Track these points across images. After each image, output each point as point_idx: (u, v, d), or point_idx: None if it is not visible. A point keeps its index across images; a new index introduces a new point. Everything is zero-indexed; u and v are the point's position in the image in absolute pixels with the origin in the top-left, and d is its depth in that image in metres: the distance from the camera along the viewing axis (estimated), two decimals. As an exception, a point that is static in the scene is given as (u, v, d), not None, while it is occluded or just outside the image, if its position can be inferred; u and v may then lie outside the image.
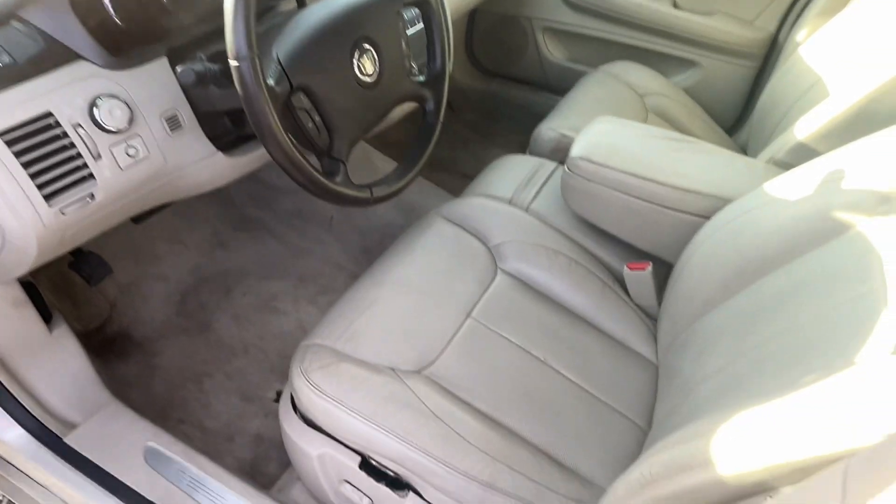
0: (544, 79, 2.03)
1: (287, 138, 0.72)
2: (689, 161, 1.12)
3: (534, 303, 1.11)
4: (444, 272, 1.09)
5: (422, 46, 1.05)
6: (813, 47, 1.43)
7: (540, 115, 1.92)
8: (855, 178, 0.83)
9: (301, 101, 0.77)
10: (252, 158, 0.98)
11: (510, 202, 1.26)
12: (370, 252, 1.49)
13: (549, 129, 1.43)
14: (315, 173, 0.77)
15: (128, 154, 0.80)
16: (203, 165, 0.91)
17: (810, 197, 0.88)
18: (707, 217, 1.06)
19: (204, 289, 1.42)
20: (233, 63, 0.68)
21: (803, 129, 1.13)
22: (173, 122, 0.84)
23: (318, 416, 0.87)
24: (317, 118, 0.79)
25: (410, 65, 0.98)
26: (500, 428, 0.90)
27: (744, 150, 1.67)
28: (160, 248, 1.46)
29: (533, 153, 1.46)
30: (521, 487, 0.84)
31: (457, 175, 1.93)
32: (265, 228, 1.56)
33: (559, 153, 1.40)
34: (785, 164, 1.13)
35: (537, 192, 1.27)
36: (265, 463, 1.14)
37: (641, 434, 0.99)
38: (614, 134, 1.18)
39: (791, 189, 0.93)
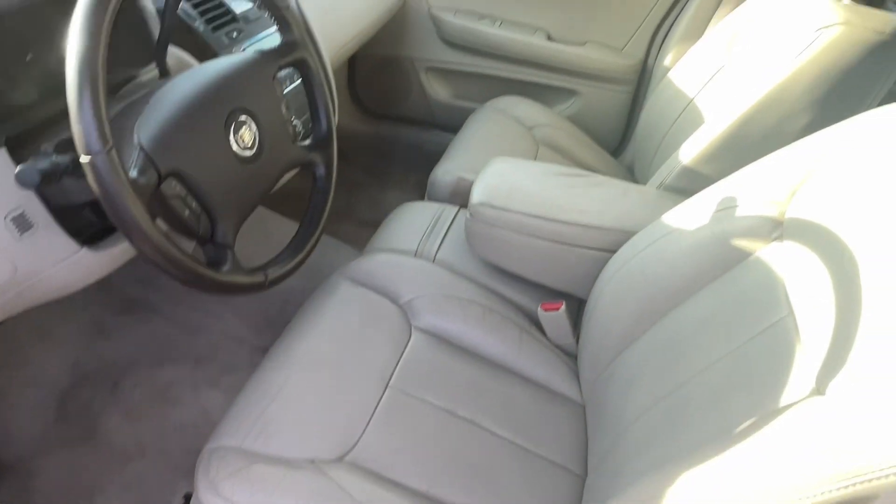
0: (432, 117, 2.02)
1: (159, 233, 0.63)
2: (586, 196, 1.13)
3: (452, 358, 1.07)
4: (355, 340, 1.02)
5: (302, 102, 0.99)
6: (680, 71, 1.51)
7: (432, 154, 1.91)
8: (746, 204, 0.85)
9: (173, 187, 0.69)
10: (125, 248, 0.88)
11: (416, 254, 1.22)
12: (272, 321, 1.39)
13: (445, 173, 1.41)
14: (198, 267, 0.69)
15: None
16: (65, 266, 0.80)
17: (707, 225, 0.91)
18: (612, 251, 1.07)
19: (85, 387, 1.26)
20: (83, 159, 0.59)
21: (686, 153, 1.17)
22: (21, 223, 0.73)
23: (235, 531, 0.78)
24: (193, 204, 0.71)
25: (293, 128, 0.92)
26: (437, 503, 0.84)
27: (630, 170, 1.73)
28: (27, 347, 1.28)
29: (432, 198, 1.43)
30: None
31: (355, 223, 1.87)
32: (151, 308, 1.42)
33: (459, 196, 1.37)
34: (676, 189, 1.17)
35: (442, 240, 1.24)
36: (179, 582, 1.01)
37: (579, 482, 0.96)
38: (511, 175, 1.17)
39: (689, 218, 0.95)
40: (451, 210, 1.32)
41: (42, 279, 0.78)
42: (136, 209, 0.60)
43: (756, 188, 0.86)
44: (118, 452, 1.16)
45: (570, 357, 1.15)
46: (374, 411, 0.93)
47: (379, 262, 1.18)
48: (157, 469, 1.15)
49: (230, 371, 1.33)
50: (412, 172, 2.05)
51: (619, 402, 0.94)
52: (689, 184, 1.15)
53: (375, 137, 2.10)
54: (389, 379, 0.99)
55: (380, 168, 2.08)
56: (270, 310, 1.39)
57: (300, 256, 0.86)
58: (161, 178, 0.66)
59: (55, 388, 1.25)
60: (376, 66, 1.99)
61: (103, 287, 1.46)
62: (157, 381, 1.30)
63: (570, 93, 1.85)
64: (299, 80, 1.00)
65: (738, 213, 0.85)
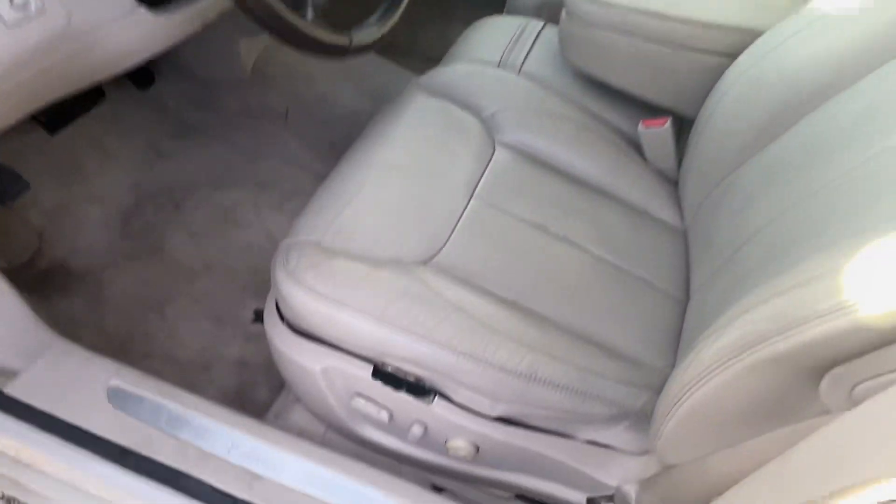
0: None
1: None
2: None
3: (542, 176, 0.97)
4: (435, 151, 0.92)
5: None
6: None
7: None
8: None
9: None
10: (186, 18, 0.77)
11: (499, 65, 1.08)
12: (338, 147, 1.29)
13: (529, -16, 1.24)
14: (280, 6, 0.58)
15: (13, 4, 0.58)
16: (122, 26, 0.70)
17: (858, 18, 0.75)
18: (732, 56, 0.91)
19: (148, 207, 1.22)
20: None
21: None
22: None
23: (317, 323, 0.73)
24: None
25: None
26: (530, 314, 0.77)
27: None
28: (87, 164, 1.23)
29: (515, 11, 1.27)
30: (565, 375, 0.72)
31: (420, 59, 1.72)
32: (210, 133, 1.34)
33: (545, 10, 1.21)
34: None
35: (528, 52, 1.10)
36: (253, 389, 0.99)
37: (678, 306, 0.88)
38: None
39: (833, 10, 0.79)
40: (536, 24, 1.16)
41: (98, 39, 0.69)
42: None
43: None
44: (185, 269, 1.13)
45: (670, 182, 1.03)
46: (460, 219, 0.85)
47: (458, 72, 1.06)
48: (224, 286, 1.11)
49: (293, 197, 1.27)
50: (480, 5, 1.85)
51: (731, 223, 0.83)
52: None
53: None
54: (474, 190, 0.90)
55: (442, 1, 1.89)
56: (335, 136, 1.30)
57: (388, 23, 0.75)
58: None
59: (118, 206, 1.21)
60: None
61: (159, 110, 1.39)
62: (218, 203, 1.24)
63: None
64: None
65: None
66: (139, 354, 1.00)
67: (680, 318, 0.87)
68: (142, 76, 1.32)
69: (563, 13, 0.99)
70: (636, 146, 1.03)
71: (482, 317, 0.73)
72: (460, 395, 0.73)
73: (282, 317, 0.79)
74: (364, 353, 0.73)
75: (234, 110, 1.35)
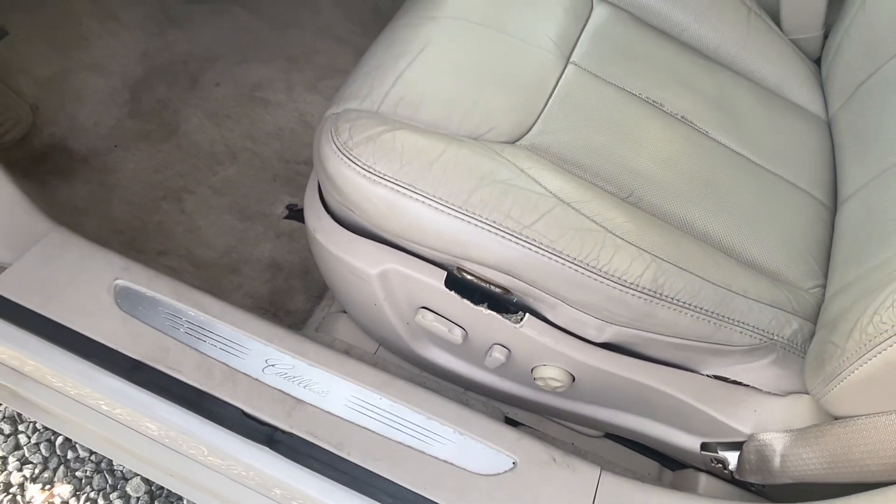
0: None
1: None
2: None
3: (653, 41, 0.76)
4: (522, 2, 0.71)
5: None
6: None
7: None
8: None
9: None
10: None
11: None
12: (383, 13, 1.08)
13: None
14: None
15: None
16: None
17: None
18: None
19: (160, 81, 1.03)
20: None
21: None
22: None
23: (375, 214, 0.55)
24: None
25: None
26: (650, 216, 0.59)
27: None
28: (87, 26, 1.04)
29: None
30: (699, 293, 0.55)
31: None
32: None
33: None
34: None
35: None
36: (288, 297, 0.84)
37: (824, 212, 0.69)
38: None
39: None
40: None
41: None
42: None
43: None
44: (205, 154, 0.96)
45: (811, 60, 0.82)
46: (555, 89, 0.66)
47: None
48: (251, 175, 0.94)
49: (330, 74, 1.07)
50: None
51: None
52: None
53: None
54: (570, 54, 0.70)
55: None
56: (381, 0, 1.08)
57: None
58: None
59: (125, 77, 1.02)
60: None
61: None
62: (242, 80, 1.05)
63: None
64: None
65: None
66: (153, 251, 0.84)
67: (826, 228, 0.68)
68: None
69: None
70: (769, 8, 0.81)
71: (592, 213, 0.55)
72: (559, 315, 0.56)
73: (327, 207, 0.62)
74: (436, 255, 0.57)
75: (259, -31, 1.13)
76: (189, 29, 1.10)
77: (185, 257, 0.85)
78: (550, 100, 0.65)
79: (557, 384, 0.60)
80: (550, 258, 0.53)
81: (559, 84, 0.66)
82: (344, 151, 0.55)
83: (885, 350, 0.43)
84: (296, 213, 0.91)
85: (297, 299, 0.83)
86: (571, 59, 0.69)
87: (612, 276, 0.53)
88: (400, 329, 0.64)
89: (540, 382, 0.61)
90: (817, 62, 0.82)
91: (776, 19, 0.81)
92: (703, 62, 0.76)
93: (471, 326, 0.60)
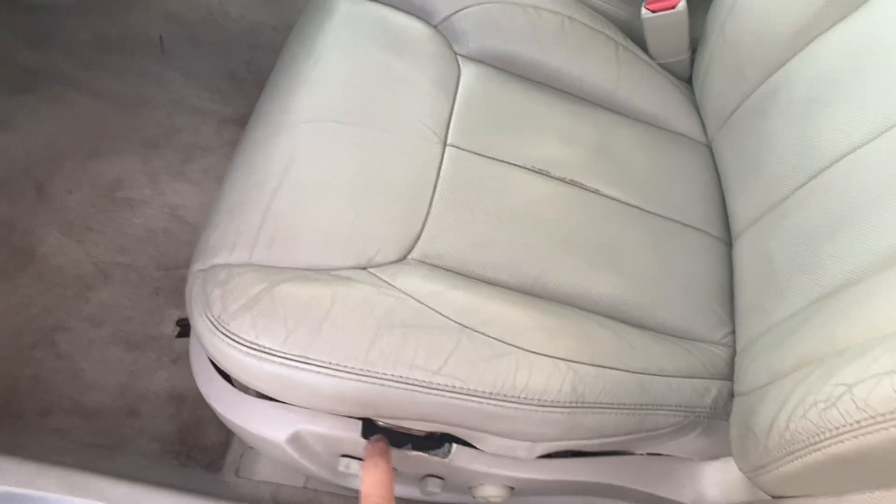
0: None
1: None
2: None
3: (527, 98, 0.73)
4: (382, 82, 0.66)
5: None
6: None
7: None
8: None
9: None
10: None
11: (443, -55, 0.79)
12: (239, 78, 0.99)
13: None
14: None
15: None
16: None
17: None
18: None
19: (1, 198, 0.91)
20: None
21: None
22: None
23: (268, 389, 0.50)
24: None
25: None
26: (558, 308, 0.58)
27: None
28: None
29: None
30: (618, 388, 0.54)
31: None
32: (63, 80, 1.00)
33: None
34: None
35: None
36: (199, 431, 0.77)
37: (720, 246, 0.70)
38: None
39: None
40: None
41: None
42: None
43: None
44: (71, 278, 0.85)
45: (682, 81, 0.81)
46: (436, 184, 0.62)
47: (391, -39, 0.76)
48: (130, 294, 0.85)
49: (196, 154, 0.98)
50: None
51: (790, 141, 0.63)
52: None
53: None
54: (447, 135, 0.66)
55: None
56: (233, 63, 0.98)
57: None
58: None
59: (-43, 204, 0.89)
60: None
61: (-17, 57, 1.03)
62: (96, 179, 0.94)
63: None
64: None
65: None
66: (33, 413, 0.75)
67: (726, 263, 0.69)
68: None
69: None
70: (635, 36, 0.79)
71: (501, 330, 0.53)
72: (487, 444, 0.54)
73: (218, 370, 0.56)
74: (347, 412, 0.52)
75: (88, 44, 1.00)
76: (23, 127, 0.97)
77: (72, 411, 0.76)
78: (434, 197, 0.61)
79: (497, 499, 0.58)
80: (466, 400, 0.50)
81: (440, 176, 0.62)
82: (220, 327, 0.49)
83: (805, 456, 0.43)
84: (187, 329, 0.83)
85: (209, 431, 0.77)
86: (448, 142, 0.65)
87: (532, 399, 0.51)
88: (322, 474, 0.60)
89: (480, 499, 0.59)
90: (691, 80, 0.81)
91: (644, 47, 0.79)
92: (581, 108, 0.74)
93: (399, 464, 0.57)
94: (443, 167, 0.63)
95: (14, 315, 0.82)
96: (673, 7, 0.73)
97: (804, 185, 0.60)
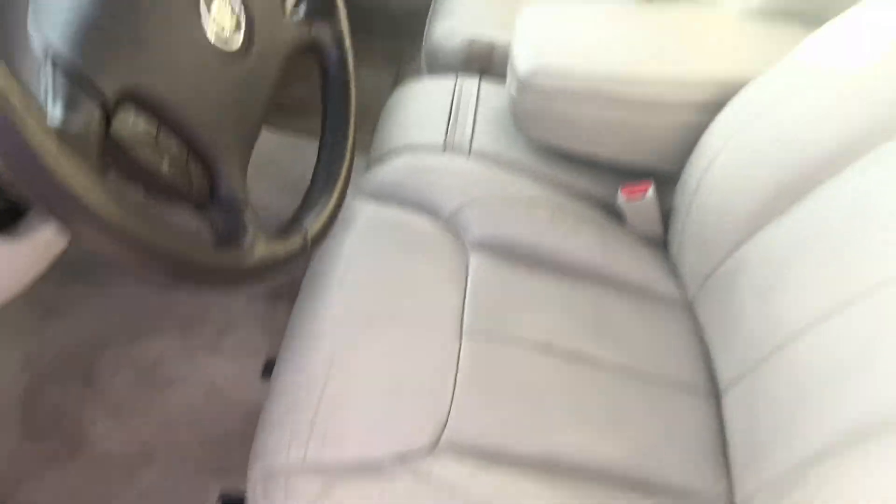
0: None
1: (130, 213, 0.34)
2: (665, 38, 0.85)
3: (528, 274, 0.84)
4: (403, 280, 0.77)
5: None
6: None
7: (398, 14, 1.55)
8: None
9: (132, 124, 0.39)
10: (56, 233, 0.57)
11: (445, 148, 0.94)
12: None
13: (449, 35, 1.09)
14: (208, 253, 0.41)
15: None
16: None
17: (878, 65, 0.65)
18: (712, 110, 0.81)
19: (50, 385, 0.99)
20: None
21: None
22: None
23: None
24: (173, 147, 0.41)
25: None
26: (565, 472, 0.65)
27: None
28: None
29: (434, 71, 1.11)
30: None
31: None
32: (105, 270, 1.12)
33: (474, 62, 1.07)
34: (776, 10, 0.90)
35: (474, 125, 0.96)
36: None
37: (711, 399, 0.78)
38: (559, 26, 0.87)
39: (838, 56, 0.69)
40: (470, 82, 1.02)
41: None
42: (71, 175, 0.31)
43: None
44: (119, 461, 0.92)
45: (658, 246, 0.93)
46: (457, 372, 0.71)
47: (402, 167, 0.90)
48: (174, 472, 0.92)
49: (230, 329, 1.07)
50: (378, 43, 1.68)
51: (759, 308, 0.73)
52: (786, 3, 0.89)
53: None
54: (462, 325, 0.76)
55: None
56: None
57: (338, 188, 0.58)
58: (111, 110, 0.36)
59: (10, 392, 0.97)
60: None
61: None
62: (139, 361, 1.03)
63: None
64: None
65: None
66: None
67: (717, 415, 0.77)
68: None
69: (514, 88, 0.85)
70: (616, 213, 0.92)
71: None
72: None
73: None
74: None
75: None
76: (70, 315, 1.07)
77: None
78: (456, 387, 0.69)
79: None
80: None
81: (459, 366, 0.71)
82: (285, 531, 0.57)
83: None
84: (231, 502, 0.89)
85: None
86: (465, 331, 0.75)
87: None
88: None
89: None
90: (665, 244, 0.93)
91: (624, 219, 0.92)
92: (576, 284, 0.85)
93: None
94: (461, 357, 0.72)
95: (66, 499, 0.88)
96: (643, 194, 0.86)
97: (773, 354, 0.70)
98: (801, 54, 0.73)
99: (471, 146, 0.93)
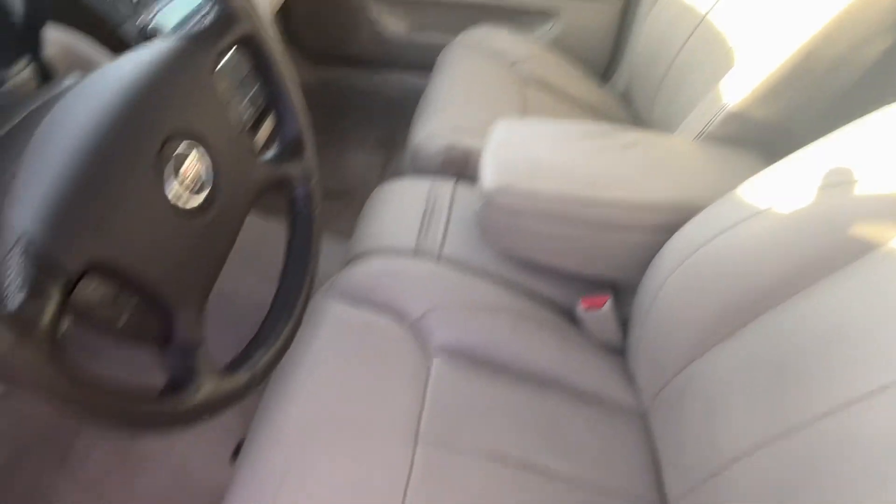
0: (387, 55, 1.72)
1: (73, 384, 0.39)
2: (624, 163, 0.91)
3: (488, 382, 0.87)
4: (364, 385, 0.81)
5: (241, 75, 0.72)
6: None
7: (394, 101, 1.63)
8: (870, 176, 0.66)
9: (93, 290, 0.44)
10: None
11: (415, 252, 0.99)
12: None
13: (430, 138, 1.16)
14: (153, 405, 0.45)
15: None
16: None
17: (815, 204, 0.70)
18: (669, 230, 0.86)
19: (28, 461, 1.01)
20: None
21: (730, 93, 0.95)
22: None
23: None
24: (131, 303, 0.46)
25: (246, 129, 0.66)
26: None
27: (624, 97, 1.51)
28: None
29: (417, 170, 1.18)
30: None
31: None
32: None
33: (451, 166, 1.13)
34: (723, 139, 0.96)
35: (445, 229, 1.01)
36: None
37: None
38: (525, 144, 0.94)
39: (783, 192, 0.75)
40: (445, 187, 1.08)
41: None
42: (32, 361, 0.35)
43: (883, 152, 0.66)
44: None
45: (616, 354, 0.97)
46: (409, 479, 0.74)
47: (373, 270, 0.95)
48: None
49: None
50: (372, 127, 1.77)
51: (702, 430, 0.76)
52: (740, 131, 0.95)
53: (321, 87, 1.78)
54: (417, 430, 0.79)
55: (331, 125, 1.78)
56: (246, 331, 1.15)
57: (291, 323, 0.62)
58: (73, 284, 0.40)
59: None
60: None
61: None
62: (111, 436, 1.06)
63: (549, 14, 1.58)
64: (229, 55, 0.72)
65: (860, 189, 0.66)
66: None
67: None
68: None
69: (481, 206, 0.91)
70: (576, 320, 0.96)
71: None
72: None
73: None
74: None
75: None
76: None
77: None
78: (407, 492, 0.72)
79: None
80: None
81: (412, 471, 0.74)
82: None
83: None
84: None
85: None
86: (419, 437, 0.78)
87: None
88: None
89: None
90: (623, 351, 0.97)
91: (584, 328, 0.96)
92: (533, 388, 0.88)
93: None
94: (414, 464, 0.75)
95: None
96: (601, 307, 0.91)
97: (714, 476, 0.72)
98: (752, 186, 0.78)
99: (440, 251, 0.98)
